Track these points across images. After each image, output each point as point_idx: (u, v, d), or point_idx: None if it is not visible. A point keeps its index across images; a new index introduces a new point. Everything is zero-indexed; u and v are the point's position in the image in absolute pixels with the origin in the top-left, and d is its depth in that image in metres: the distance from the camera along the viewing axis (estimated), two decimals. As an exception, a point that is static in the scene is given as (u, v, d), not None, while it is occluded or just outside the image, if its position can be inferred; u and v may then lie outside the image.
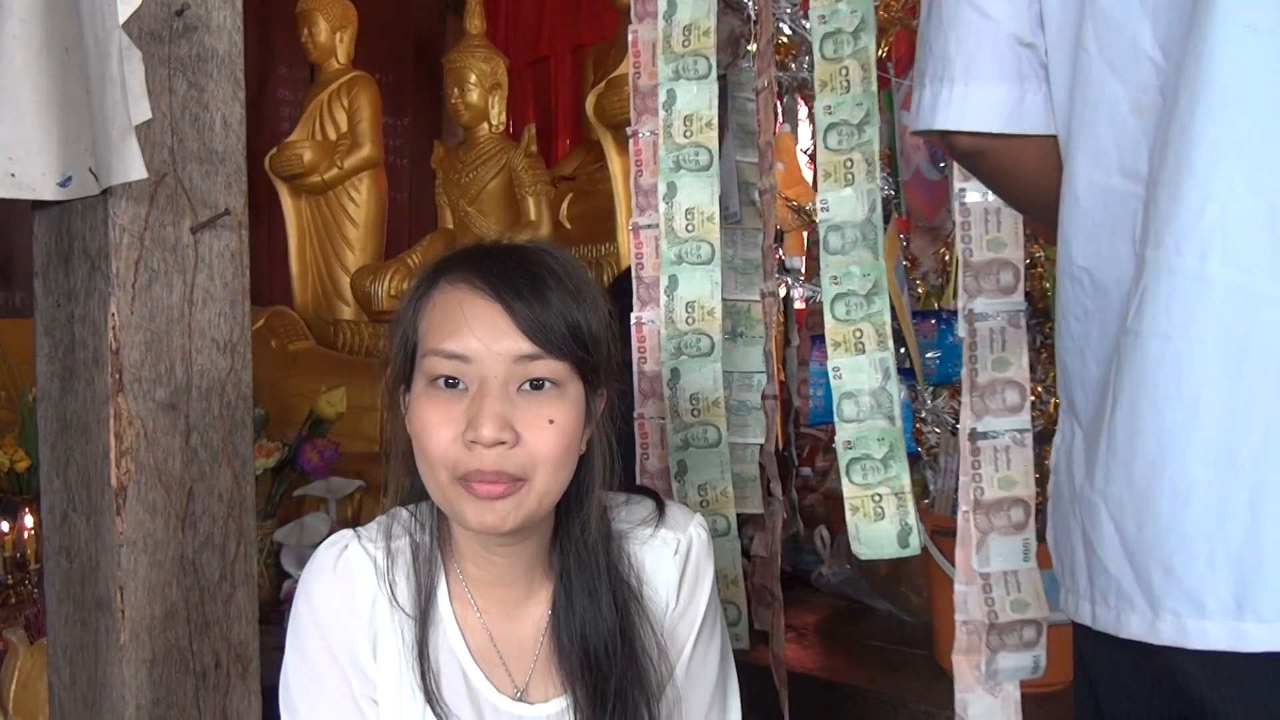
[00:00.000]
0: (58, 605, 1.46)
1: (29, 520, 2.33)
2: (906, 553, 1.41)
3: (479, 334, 0.91)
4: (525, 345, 0.91)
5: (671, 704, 1.06)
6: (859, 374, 1.41)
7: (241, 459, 1.45)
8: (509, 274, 0.94)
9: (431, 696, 0.98)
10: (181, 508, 1.39)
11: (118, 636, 1.34)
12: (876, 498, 1.40)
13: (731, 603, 1.65)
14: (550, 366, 0.93)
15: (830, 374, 1.43)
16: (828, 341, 1.43)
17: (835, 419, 1.42)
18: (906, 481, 1.40)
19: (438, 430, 0.92)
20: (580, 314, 0.94)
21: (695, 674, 1.09)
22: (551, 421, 0.92)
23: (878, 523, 1.40)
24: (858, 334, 1.42)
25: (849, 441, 1.42)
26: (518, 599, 1.04)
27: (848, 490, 1.41)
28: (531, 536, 1.00)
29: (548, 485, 0.94)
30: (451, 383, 0.93)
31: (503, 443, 0.90)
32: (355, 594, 1.00)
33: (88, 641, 1.40)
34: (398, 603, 1.01)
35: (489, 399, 0.91)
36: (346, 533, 1.04)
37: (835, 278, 1.43)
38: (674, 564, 1.07)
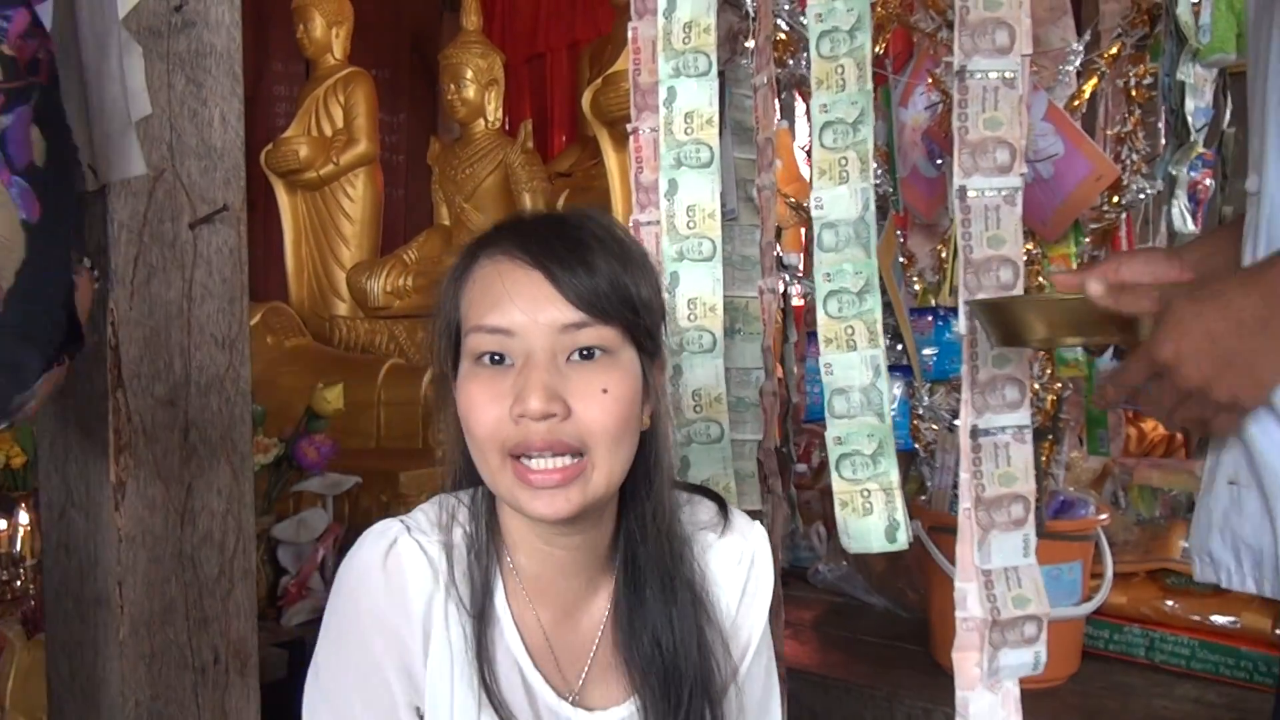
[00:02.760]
0: (56, 601, 1.46)
1: (25, 516, 2.33)
2: (894, 548, 1.41)
3: (521, 305, 0.86)
4: (571, 313, 0.86)
5: (733, 714, 1.00)
6: (850, 371, 1.41)
7: (240, 455, 1.45)
8: (549, 241, 0.88)
9: (493, 696, 0.91)
10: (180, 504, 1.39)
11: (116, 632, 1.34)
12: (865, 493, 1.41)
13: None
14: (599, 333, 0.87)
15: (821, 370, 1.43)
16: (820, 338, 1.44)
17: (826, 415, 1.42)
18: (895, 478, 1.40)
19: (484, 408, 0.86)
20: (627, 277, 0.89)
21: (746, 685, 1.03)
22: (605, 390, 0.87)
23: (866, 518, 1.41)
24: (849, 331, 1.42)
25: (839, 437, 1.42)
26: (576, 595, 0.97)
27: (837, 485, 1.42)
28: (593, 525, 0.94)
29: (610, 461, 0.87)
30: (497, 359, 0.87)
31: (552, 415, 0.85)
32: (408, 593, 0.92)
33: (86, 637, 1.40)
34: (459, 600, 0.93)
35: (535, 370, 0.85)
36: (394, 524, 0.95)
37: (828, 275, 1.43)
38: (738, 573, 1.01)
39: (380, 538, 0.94)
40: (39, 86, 1.05)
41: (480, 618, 0.93)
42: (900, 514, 1.40)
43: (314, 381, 2.63)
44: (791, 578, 2.37)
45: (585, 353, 0.87)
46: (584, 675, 0.96)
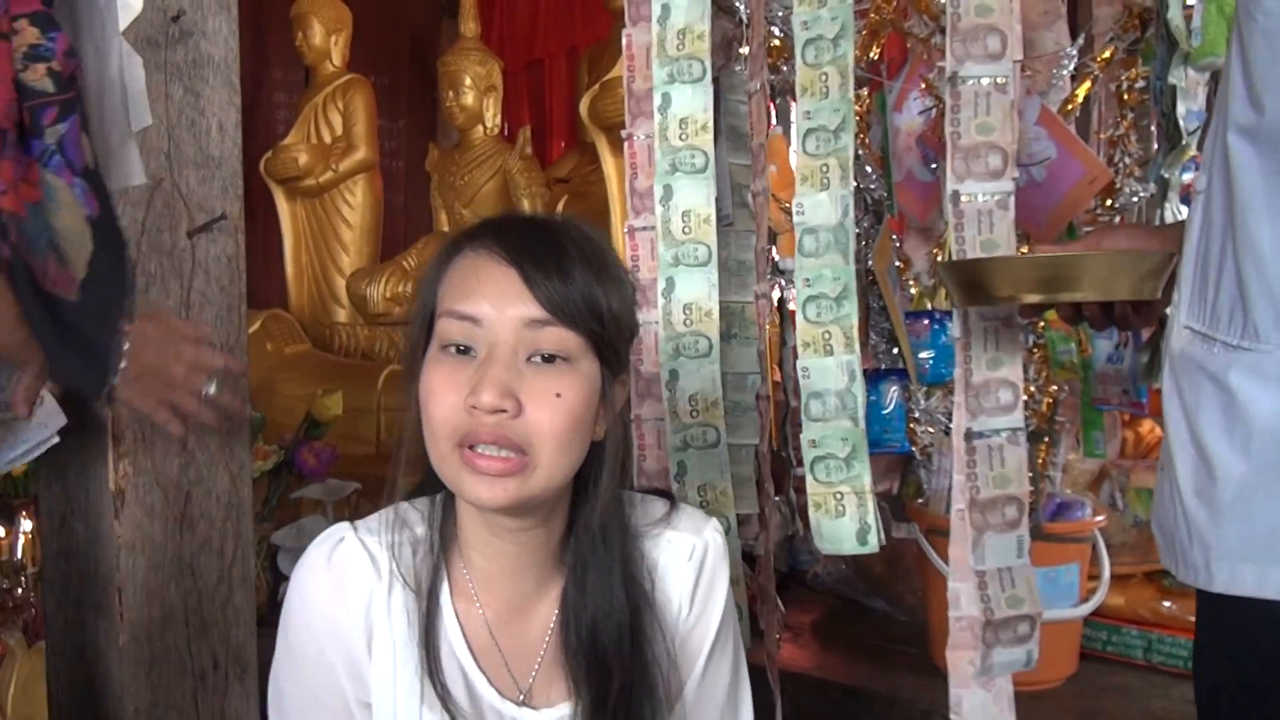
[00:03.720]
0: (56, 608, 1.47)
1: (26, 524, 2.34)
2: (865, 550, 1.43)
3: (490, 297, 0.89)
4: (536, 310, 0.88)
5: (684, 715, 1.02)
6: (826, 375, 1.43)
7: (239, 462, 1.46)
8: (529, 241, 0.91)
9: (436, 682, 0.94)
10: (179, 510, 1.40)
11: (116, 639, 1.35)
12: (838, 495, 1.42)
13: (735, 602, 1.66)
14: (561, 336, 0.89)
15: (799, 374, 1.45)
16: (798, 342, 1.45)
17: (803, 418, 1.44)
18: (867, 481, 1.42)
19: (443, 395, 0.89)
20: (599, 288, 0.91)
21: (707, 687, 1.04)
22: (559, 395, 0.88)
23: (838, 520, 1.42)
24: (826, 336, 1.44)
25: (814, 440, 1.44)
26: (525, 594, 0.99)
27: (811, 487, 1.44)
28: (542, 524, 0.96)
29: (552, 465, 0.89)
30: (462, 349, 0.90)
31: (503, 411, 0.87)
32: (349, 590, 0.96)
33: (87, 644, 1.41)
34: (401, 587, 0.96)
35: (494, 365, 0.88)
36: (342, 526, 1.00)
37: (808, 280, 1.45)
38: (688, 569, 1.02)
39: (327, 539, 0.99)
40: (79, 99, 1.16)
41: (424, 613, 0.96)
42: (872, 517, 1.41)
43: (314, 388, 2.64)
44: (791, 581, 2.38)
45: (546, 357, 0.90)
46: (534, 674, 0.99)
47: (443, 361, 0.91)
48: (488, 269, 0.90)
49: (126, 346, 1.22)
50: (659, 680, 0.98)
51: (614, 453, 0.98)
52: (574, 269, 0.90)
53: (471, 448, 0.88)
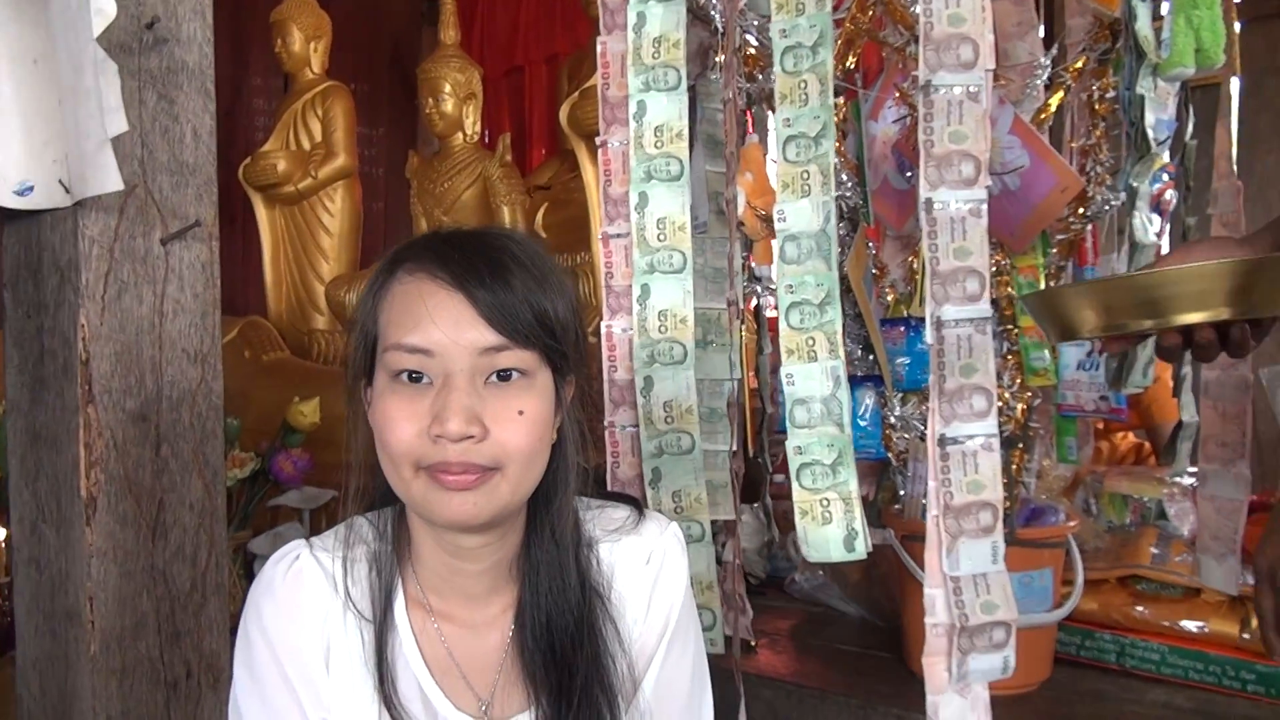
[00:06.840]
0: (27, 617, 1.46)
1: (-2, 533, 2.32)
2: (852, 557, 1.43)
3: (442, 326, 0.87)
4: (491, 336, 0.88)
5: (639, 717, 1.02)
6: (810, 381, 1.43)
7: (212, 469, 1.45)
8: (471, 261, 0.90)
9: (392, 706, 0.94)
10: (152, 518, 1.39)
11: (88, 647, 1.34)
12: (824, 502, 1.42)
13: (706, 608, 1.66)
14: (517, 357, 0.89)
15: (783, 380, 1.45)
16: (782, 349, 1.46)
17: (787, 425, 1.44)
18: (854, 487, 1.42)
19: (401, 425, 0.88)
20: (546, 300, 0.91)
21: (665, 688, 1.04)
22: (521, 413, 0.89)
23: (824, 527, 1.42)
24: (810, 342, 1.44)
25: (799, 447, 1.44)
26: (481, 609, 1.00)
27: (797, 494, 1.43)
28: (501, 537, 0.97)
29: (520, 476, 0.90)
30: (415, 377, 0.89)
31: (470, 437, 0.87)
32: (305, 606, 0.96)
33: (57, 653, 1.40)
34: (354, 608, 0.96)
35: (455, 392, 0.87)
36: (298, 543, 1.00)
37: (791, 286, 1.45)
38: (645, 574, 1.03)
39: (282, 557, 0.99)
40: None
41: (379, 629, 0.96)
42: (859, 523, 1.41)
43: (292, 395, 2.62)
44: (768, 588, 2.39)
45: (503, 374, 0.90)
46: (495, 687, 0.98)
47: (397, 391, 0.90)
48: (434, 296, 0.89)
49: None
50: (613, 671, 0.99)
51: (571, 452, 0.98)
52: (518, 285, 0.89)
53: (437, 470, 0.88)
